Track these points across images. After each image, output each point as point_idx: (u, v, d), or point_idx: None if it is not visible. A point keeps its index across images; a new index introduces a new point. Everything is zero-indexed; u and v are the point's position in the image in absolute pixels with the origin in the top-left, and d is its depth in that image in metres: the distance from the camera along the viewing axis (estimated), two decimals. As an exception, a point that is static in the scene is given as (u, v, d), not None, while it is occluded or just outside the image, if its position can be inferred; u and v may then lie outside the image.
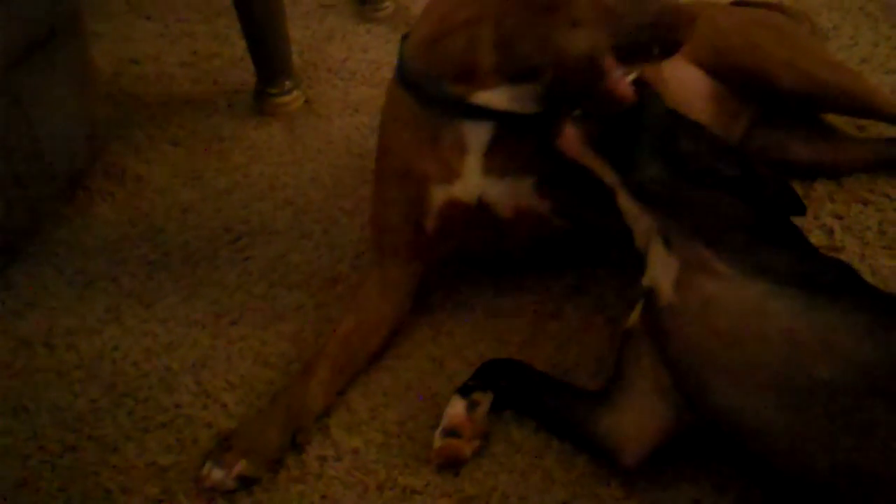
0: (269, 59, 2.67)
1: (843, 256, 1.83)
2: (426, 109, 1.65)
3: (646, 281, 1.48)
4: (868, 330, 1.25)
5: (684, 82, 1.98)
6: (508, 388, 1.59)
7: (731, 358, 1.29)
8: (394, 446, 1.60)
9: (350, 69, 2.87)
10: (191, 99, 2.81)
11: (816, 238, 1.90)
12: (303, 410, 1.64)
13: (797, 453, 1.22)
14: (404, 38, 1.73)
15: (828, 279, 1.37)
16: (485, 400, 1.56)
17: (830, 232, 1.91)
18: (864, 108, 2.04)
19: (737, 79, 2.00)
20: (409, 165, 1.71)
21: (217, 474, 1.56)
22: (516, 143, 1.65)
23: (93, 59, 2.57)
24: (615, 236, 1.64)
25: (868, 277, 1.77)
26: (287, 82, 2.68)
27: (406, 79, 1.68)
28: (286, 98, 2.68)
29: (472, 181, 1.67)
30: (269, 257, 2.10)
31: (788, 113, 2.07)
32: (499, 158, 1.66)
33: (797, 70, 1.98)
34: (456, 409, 1.54)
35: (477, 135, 1.64)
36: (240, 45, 2.78)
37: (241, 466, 1.56)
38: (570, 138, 1.57)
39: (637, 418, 1.42)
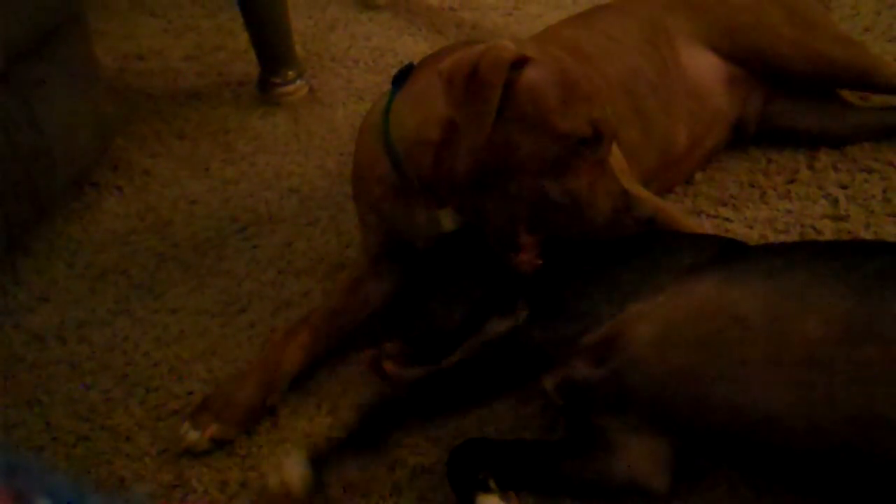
0: (273, 50, 2.68)
1: (847, 225, 1.84)
2: (402, 181, 1.65)
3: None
4: (836, 275, 1.25)
5: (702, 68, 2.01)
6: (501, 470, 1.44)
7: (719, 365, 1.26)
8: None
9: (353, 57, 2.88)
10: (196, 92, 2.83)
11: (821, 208, 1.90)
12: (277, 372, 1.67)
13: (810, 426, 1.20)
14: (395, 83, 1.68)
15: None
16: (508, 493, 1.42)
17: (835, 201, 1.91)
18: (870, 82, 2.05)
19: (749, 61, 2.02)
20: (388, 218, 1.72)
21: (192, 436, 1.60)
22: None
23: (97, 56, 2.58)
24: None
25: (874, 245, 1.77)
26: (291, 72, 2.70)
27: (390, 149, 1.64)
28: (290, 88, 2.69)
29: (448, 226, 1.66)
30: (277, 245, 2.11)
31: (798, 88, 2.07)
32: None
33: (806, 49, 2.00)
34: None
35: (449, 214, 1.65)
36: (243, 38, 2.79)
37: (213, 428, 1.60)
38: (393, 371, 1.60)
39: (646, 451, 1.37)
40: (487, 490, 1.36)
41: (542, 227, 1.52)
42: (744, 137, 2.10)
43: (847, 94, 2.11)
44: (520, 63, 1.45)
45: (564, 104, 1.45)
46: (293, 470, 1.42)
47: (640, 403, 1.35)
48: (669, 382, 1.30)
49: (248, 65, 2.83)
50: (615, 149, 1.75)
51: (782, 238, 1.83)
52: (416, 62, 1.69)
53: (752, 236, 1.85)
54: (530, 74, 1.46)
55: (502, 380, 1.58)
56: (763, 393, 1.22)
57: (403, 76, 1.66)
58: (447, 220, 1.64)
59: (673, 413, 1.33)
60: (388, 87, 1.71)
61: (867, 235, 1.80)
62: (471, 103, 1.44)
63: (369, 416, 1.51)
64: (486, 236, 1.55)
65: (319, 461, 1.44)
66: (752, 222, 1.90)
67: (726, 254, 1.40)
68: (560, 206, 1.48)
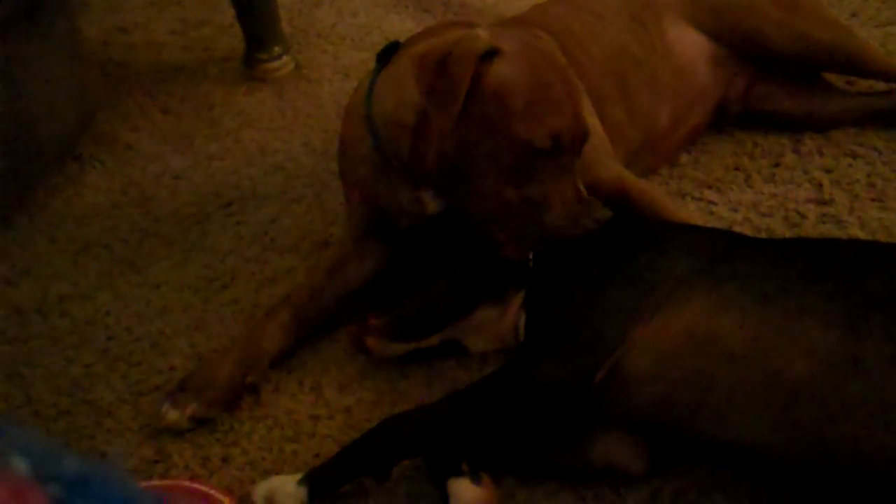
0: (258, 26, 2.67)
1: (831, 209, 1.84)
2: (385, 161, 1.65)
3: None
4: (825, 303, 1.24)
5: (687, 47, 2.01)
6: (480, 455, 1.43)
7: (706, 399, 1.26)
8: (385, 405, 1.60)
9: (340, 34, 2.86)
10: (180, 66, 2.81)
11: (806, 192, 1.90)
12: (258, 351, 1.67)
13: (796, 459, 1.21)
14: (379, 60, 1.67)
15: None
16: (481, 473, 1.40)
17: (819, 186, 1.91)
18: (855, 66, 2.05)
19: (734, 41, 2.02)
20: (371, 196, 1.72)
21: (172, 415, 1.59)
22: None
23: (81, 29, 2.56)
24: None
25: (857, 231, 1.78)
26: (276, 48, 2.68)
27: (371, 128, 1.64)
28: (276, 64, 2.68)
29: (432, 208, 1.66)
30: (261, 221, 2.11)
31: (783, 70, 2.07)
32: None
33: (791, 31, 2.00)
34: (471, 490, 1.36)
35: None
36: (229, 13, 2.77)
37: (193, 407, 1.59)
38: (375, 346, 1.62)
39: (624, 438, 1.38)
40: (459, 473, 1.36)
41: (506, 227, 1.52)
42: (727, 118, 2.09)
43: (833, 79, 2.11)
44: (491, 55, 1.44)
45: (527, 110, 1.43)
46: (286, 487, 1.39)
47: (628, 421, 1.36)
48: (658, 411, 1.31)
49: (233, 40, 2.81)
50: (597, 130, 1.75)
51: (766, 221, 1.84)
52: (401, 40, 1.69)
53: (737, 219, 1.86)
54: (499, 70, 1.44)
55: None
56: (749, 427, 1.23)
57: (388, 54, 1.65)
58: (431, 202, 1.64)
59: (658, 432, 1.35)
60: (374, 64, 1.71)
61: (851, 220, 1.81)
62: (439, 93, 1.44)
63: (374, 444, 1.39)
64: (471, 222, 1.56)
65: (314, 481, 1.40)
66: (736, 205, 1.90)
67: (717, 261, 1.38)
68: (518, 209, 1.49)
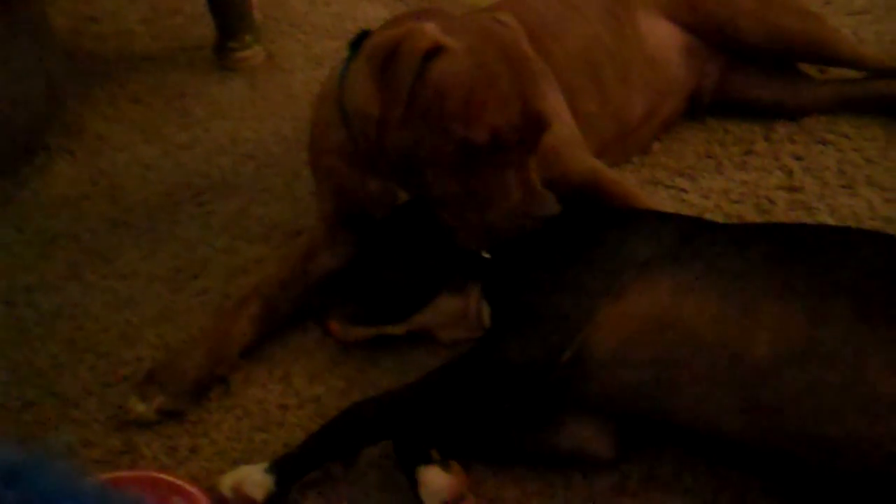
0: (230, 14, 2.65)
1: (802, 197, 1.85)
2: (356, 151, 1.63)
3: None
4: (788, 286, 1.24)
5: (660, 38, 2.01)
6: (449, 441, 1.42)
7: (671, 380, 1.26)
8: (355, 393, 1.58)
9: (312, 22, 2.84)
10: (151, 55, 2.79)
11: (777, 179, 1.90)
12: (227, 343, 1.65)
13: (759, 440, 1.21)
14: (352, 48, 1.65)
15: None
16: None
17: (790, 173, 1.92)
18: (827, 56, 2.06)
19: (707, 32, 2.03)
20: (342, 185, 1.70)
21: (139, 407, 1.58)
22: None
23: (50, 18, 2.54)
24: None
25: (827, 217, 1.78)
26: (248, 37, 2.66)
27: (344, 117, 1.62)
28: (247, 53, 2.66)
29: (404, 196, 1.65)
30: (231, 211, 2.09)
31: (755, 60, 2.07)
32: None
33: (763, 21, 2.01)
34: (441, 478, 1.35)
35: None
36: (200, 1, 2.75)
37: (160, 400, 1.58)
38: (337, 330, 1.63)
39: (592, 422, 1.38)
40: (429, 461, 1.35)
41: (455, 219, 1.51)
42: (700, 108, 2.10)
43: (805, 67, 2.11)
44: (435, 52, 1.43)
45: (465, 107, 1.42)
46: (253, 476, 1.39)
47: (594, 405, 1.36)
48: (624, 394, 1.31)
49: (204, 29, 2.79)
50: (569, 121, 1.74)
51: (737, 208, 1.84)
52: (373, 29, 1.67)
53: (708, 206, 1.86)
54: (440, 68, 1.43)
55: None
56: (714, 411, 1.23)
57: (359, 43, 1.64)
58: (400, 191, 1.63)
59: (625, 415, 1.35)
60: (346, 53, 1.69)
61: (821, 206, 1.81)
62: (387, 88, 1.44)
63: (340, 430, 1.39)
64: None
65: (281, 469, 1.39)
66: (707, 192, 1.90)
67: (682, 245, 1.38)
68: (463, 202, 1.48)
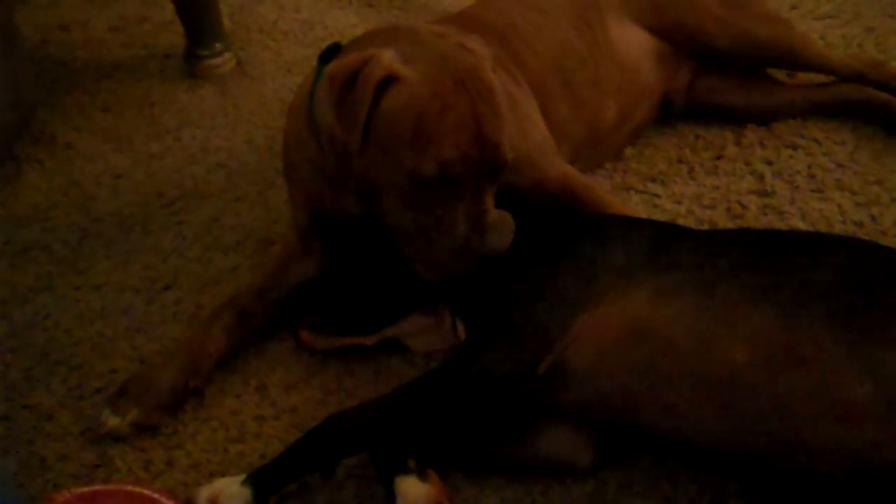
0: (199, 22, 2.63)
1: (773, 201, 1.87)
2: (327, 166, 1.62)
3: None
4: (764, 292, 1.25)
5: (631, 43, 2.02)
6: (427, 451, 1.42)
7: (649, 388, 1.27)
8: (332, 404, 1.59)
9: (282, 30, 2.83)
10: (120, 64, 2.77)
11: (748, 183, 1.92)
12: (201, 355, 1.64)
13: (737, 446, 1.22)
14: (321, 60, 1.63)
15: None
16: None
17: (761, 177, 1.93)
18: (795, 61, 2.09)
19: (677, 37, 2.05)
20: (315, 196, 1.69)
21: (113, 421, 1.57)
22: None
23: (18, 26, 2.51)
24: None
25: (798, 221, 1.80)
26: (218, 44, 2.65)
27: (314, 131, 1.60)
28: (217, 60, 2.64)
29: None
30: (203, 221, 2.08)
31: (725, 65, 2.09)
32: None
33: (731, 27, 2.03)
34: (418, 487, 1.35)
35: None
36: (169, 8, 2.73)
37: (133, 413, 1.57)
38: (308, 339, 1.65)
39: (570, 431, 1.39)
40: (406, 471, 1.35)
41: (409, 249, 1.51)
42: (671, 113, 2.11)
43: (774, 72, 2.13)
44: (389, 81, 1.43)
45: (414, 139, 1.41)
46: (229, 488, 1.38)
47: (571, 413, 1.36)
48: (602, 403, 1.32)
49: (174, 36, 2.77)
50: (541, 128, 1.75)
51: (709, 213, 1.85)
52: (343, 42, 1.67)
53: (680, 211, 1.87)
54: (394, 98, 1.42)
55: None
56: (690, 414, 1.24)
57: (329, 56, 1.63)
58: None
59: (602, 423, 1.35)
60: (316, 63, 1.69)
61: (792, 210, 1.83)
62: (346, 115, 1.44)
63: (317, 441, 1.39)
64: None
65: (258, 481, 1.39)
66: (679, 198, 1.91)
67: (657, 252, 1.39)
68: (415, 235, 1.48)
